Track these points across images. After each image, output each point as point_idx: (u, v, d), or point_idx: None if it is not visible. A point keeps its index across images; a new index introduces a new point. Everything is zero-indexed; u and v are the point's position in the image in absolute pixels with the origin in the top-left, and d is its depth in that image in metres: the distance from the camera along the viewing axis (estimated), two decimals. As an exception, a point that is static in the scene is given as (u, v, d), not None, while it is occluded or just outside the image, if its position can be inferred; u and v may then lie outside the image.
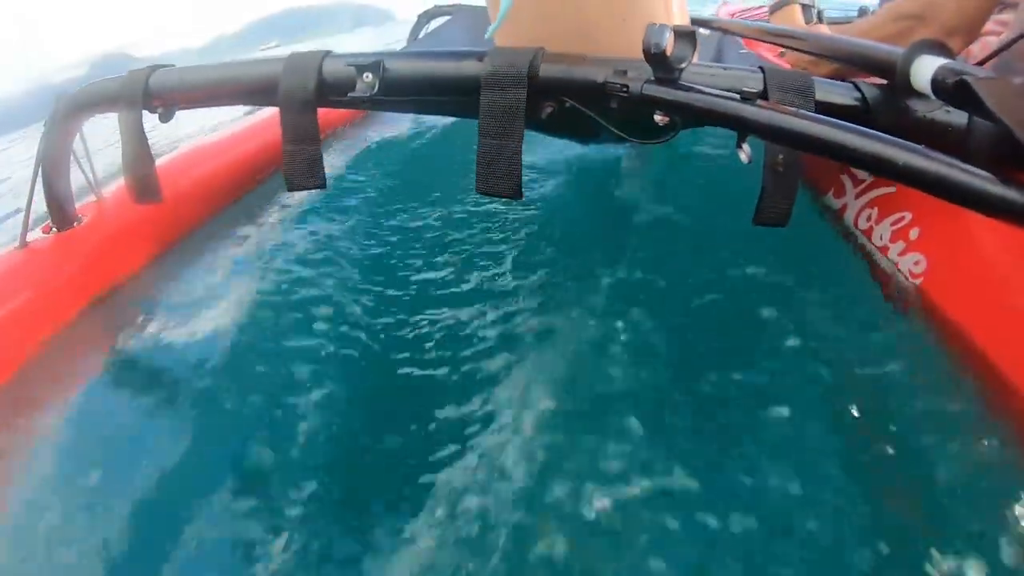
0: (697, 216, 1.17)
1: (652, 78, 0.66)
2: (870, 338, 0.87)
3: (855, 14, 2.27)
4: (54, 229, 1.01)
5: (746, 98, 0.60)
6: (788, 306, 0.94)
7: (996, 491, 0.64)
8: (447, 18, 2.40)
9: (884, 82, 0.71)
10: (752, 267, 1.03)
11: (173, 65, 0.90)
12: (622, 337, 0.88)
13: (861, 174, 1.02)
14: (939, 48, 0.64)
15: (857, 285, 0.95)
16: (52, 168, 0.97)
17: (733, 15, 2.85)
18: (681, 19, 1.07)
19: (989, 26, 1.18)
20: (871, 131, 0.55)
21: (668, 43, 0.60)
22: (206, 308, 1.00)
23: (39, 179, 0.97)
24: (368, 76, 0.76)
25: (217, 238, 1.22)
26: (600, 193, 1.42)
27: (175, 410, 0.85)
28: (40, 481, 0.74)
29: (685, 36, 0.63)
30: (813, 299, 0.95)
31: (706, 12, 2.38)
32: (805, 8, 1.96)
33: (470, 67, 0.74)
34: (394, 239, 1.25)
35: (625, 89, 0.67)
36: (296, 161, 0.80)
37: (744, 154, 0.64)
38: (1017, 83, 0.53)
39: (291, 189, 0.83)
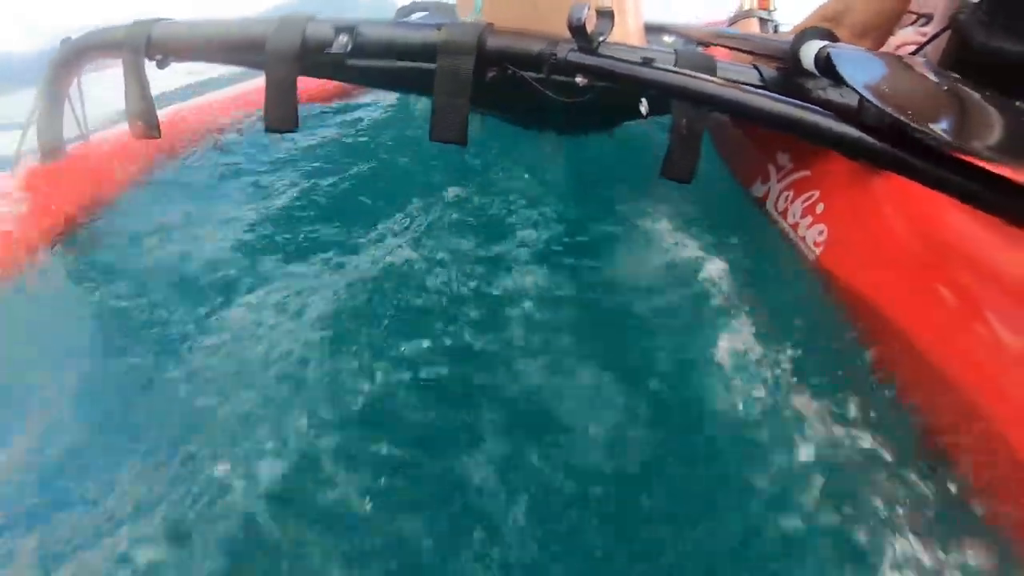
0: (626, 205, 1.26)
1: (584, 43, 0.78)
2: (779, 299, 0.99)
3: None
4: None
5: (646, 63, 0.73)
6: (711, 278, 1.05)
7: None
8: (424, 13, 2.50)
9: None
10: (684, 250, 1.13)
11: (183, 22, 0.99)
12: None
13: (783, 162, 1.15)
14: (826, 34, 0.77)
15: (773, 258, 1.08)
16: (48, 105, 1.05)
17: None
18: (635, 15, 1.20)
19: (912, 37, 1.30)
20: (735, 86, 0.68)
21: (589, 18, 0.74)
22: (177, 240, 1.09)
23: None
24: (344, 37, 0.87)
25: (194, 173, 1.29)
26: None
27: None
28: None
29: (605, 14, 0.77)
30: (736, 274, 1.06)
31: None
32: (763, 22, 2.11)
33: (429, 35, 0.86)
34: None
35: (554, 56, 0.80)
36: (274, 104, 0.90)
37: (643, 107, 0.78)
38: (872, 52, 0.66)
39: (268, 130, 0.93)
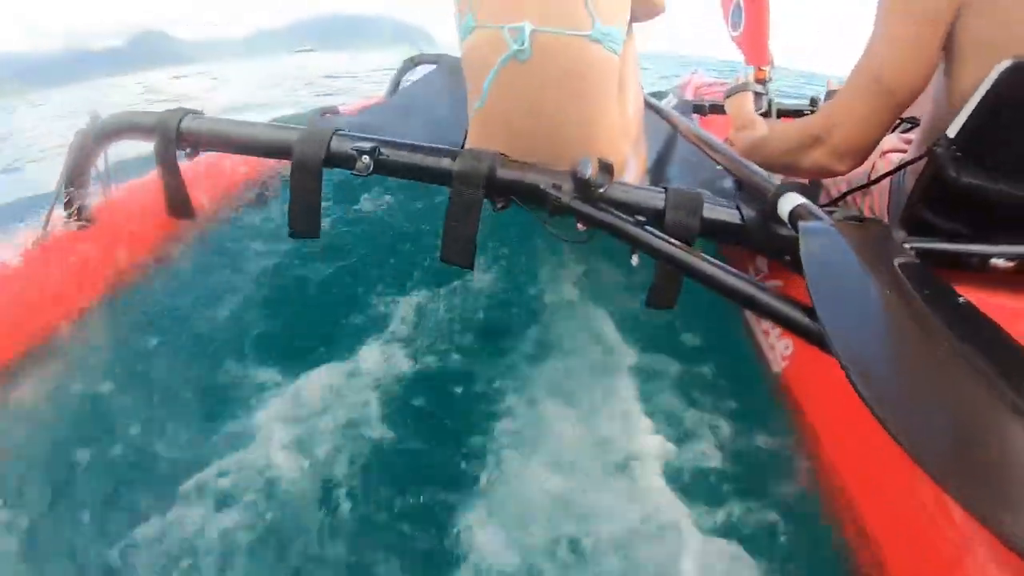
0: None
1: (582, 188, 0.86)
2: (741, 407, 1.06)
3: (807, 102, 2.46)
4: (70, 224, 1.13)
5: (639, 223, 0.80)
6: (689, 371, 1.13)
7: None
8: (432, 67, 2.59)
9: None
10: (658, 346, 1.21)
11: (202, 112, 1.07)
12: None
13: (761, 266, 1.22)
14: (804, 189, 0.83)
15: (743, 366, 1.14)
16: (76, 175, 1.11)
17: (699, 87, 3.07)
18: (636, 115, 1.27)
19: (895, 143, 1.35)
20: (710, 260, 0.78)
21: (591, 172, 0.83)
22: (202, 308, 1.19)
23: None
24: (366, 159, 0.95)
25: (212, 245, 1.36)
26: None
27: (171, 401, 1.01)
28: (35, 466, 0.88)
29: (605, 168, 0.84)
30: (704, 379, 1.13)
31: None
32: (757, 96, 2.18)
33: (445, 163, 0.94)
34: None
35: (557, 199, 0.88)
36: (299, 213, 0.98)
37: (635, 259, 0.84)
38: (842, 231, 0.72)
39: (292, 236, 1.01)
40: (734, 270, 0.76)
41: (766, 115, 2.19)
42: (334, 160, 0.97)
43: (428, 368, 1.15)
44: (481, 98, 1.12)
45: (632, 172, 1.27)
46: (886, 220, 1.19)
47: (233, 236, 1.39)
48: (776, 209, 0.86)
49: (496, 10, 1.10)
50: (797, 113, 2.27)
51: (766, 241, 0.90)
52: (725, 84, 3.00)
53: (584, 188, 0.85)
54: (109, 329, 1.11)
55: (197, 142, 1.05)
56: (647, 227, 0.84)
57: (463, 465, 0.97)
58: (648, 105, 1.62)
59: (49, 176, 1.20)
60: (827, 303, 0.62)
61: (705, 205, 0.91)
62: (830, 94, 2.02)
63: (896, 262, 0.67)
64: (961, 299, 0.65)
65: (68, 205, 1.12)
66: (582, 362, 1.19)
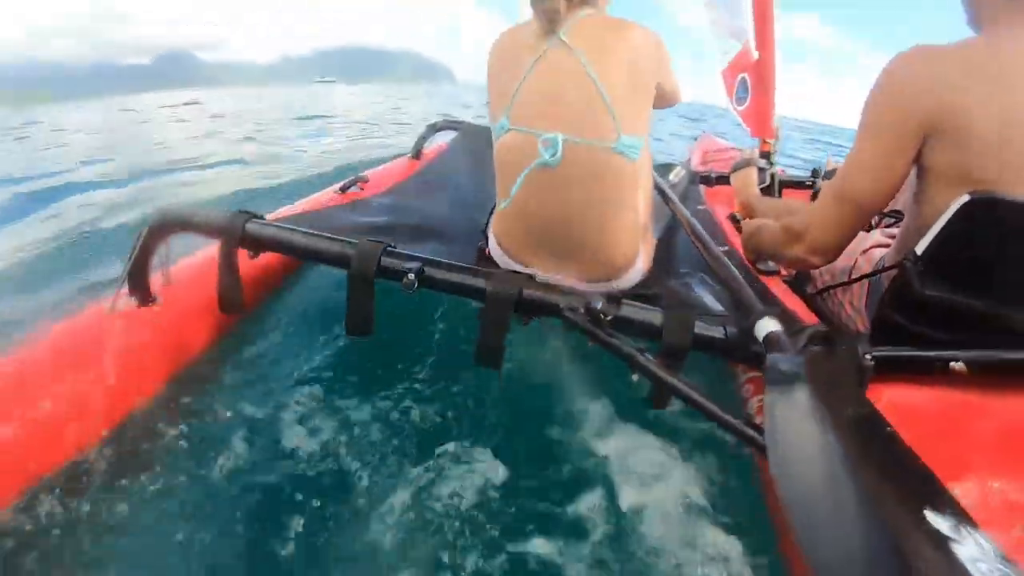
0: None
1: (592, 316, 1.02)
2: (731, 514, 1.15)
3: (809, 173, 2.57)
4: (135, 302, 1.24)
5: (639, 349, 0.96)
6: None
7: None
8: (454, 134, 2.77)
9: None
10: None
11: (263, 217, 1.20)
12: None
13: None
14: (779, 316, 0.97)
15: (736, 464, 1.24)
16: (141, 260, 1.22)
17: (707, 154, 3.20)
18: (646, 207, 1.40)
19: (878, 239, 1.46)
20: (685, 383, 0.94)
21: (601, 304, 1.00)
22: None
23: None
24: (411, 276, 1.08)
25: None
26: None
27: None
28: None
29: (613, 300, 1.02)
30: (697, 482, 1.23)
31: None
32: (761, 171, 2.31)
33: (480, 283, 1.09)
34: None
35: (573, 320, 1.03)
36: (354, 316, 1.13)
37: (635, 376, 0.98)
38: (791, 365, 0.84)
39: (349, 334, 1.14)
40: (701, 396, 0.92)
41: (769, 188, 2.33)
42: (385, 274, 1.11)
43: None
44: (510, 197, 1.25)
45: (641, 260, 1.39)
46: (864, 313, 1.32)
47: (273, 322, 1.51)
48: (754, 330, 0.98)
49: (531, 117, 1.22)
50: (799, 184, 2.39)
51: (745, 356, 1.02)
52: (732, 150, 3.15)
53: (594, 315, 1.00)
54: (174, 409, 1.21)
55: (260, 245, 1.18)
56: (643, 351, 0.98)
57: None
58: (657, 189, 1.75)
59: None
60: (774, 427, 0.72)
61: (697, 323, 1.04)
62: (829, 173, 2.14)
63: (848, 409, 0.76)
64: (893, 435, 0.72)
65: (132, 287, 1.23)
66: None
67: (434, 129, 2.72)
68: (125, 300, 1.23)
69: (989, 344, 0.96)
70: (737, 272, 1.22)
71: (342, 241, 1.14)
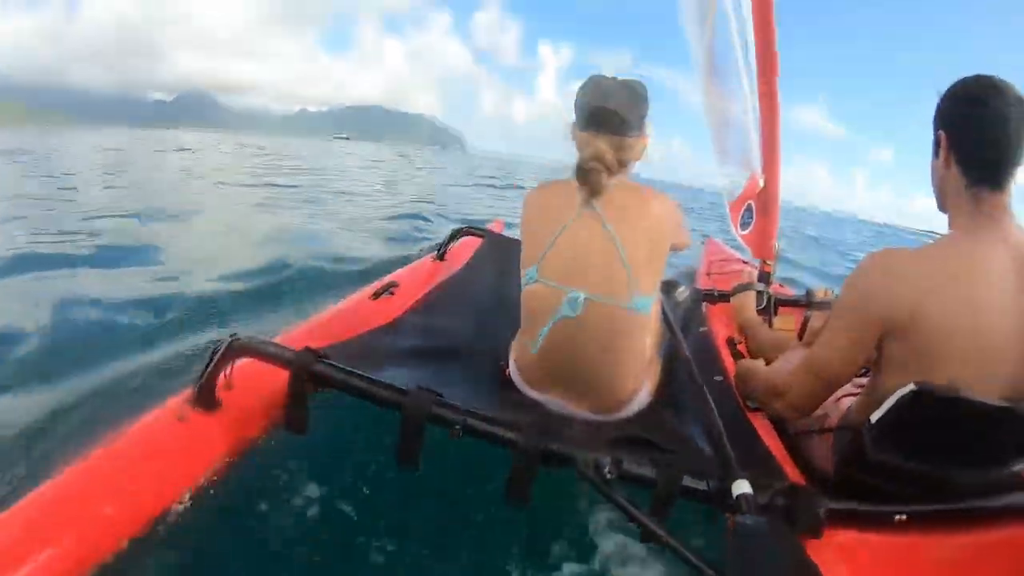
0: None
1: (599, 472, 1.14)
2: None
3: (803, 292, 2.67)
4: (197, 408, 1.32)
5: (632, 504, 1.11)
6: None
7: None
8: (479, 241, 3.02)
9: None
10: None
11: (327, 356, 1.32)
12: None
13: None
14: (759, 463, 1.08)
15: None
16: (212, 375, 1.31)
17: (711, 264, 3.33)
18: (653, 346, 1.50)
19: (848, 388, 1.49)
20: (666, 532, 1.06)
21: (608, 467, 1.13)
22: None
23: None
24: (457, 427, 1.22)
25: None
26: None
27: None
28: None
29: (616, 461, 1.15)
30: None
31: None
32: (759, 294, 2.43)
33: (512, 436, 1.21)
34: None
35: (584, 474, 1.15)
36: (406, 452, 1.25)
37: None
38: (756, 526, 0.93)
39: (400, 467, 1.25)
40: (678, 542, 1.05)
41: (766, 309, 2.44)
42: (434, 421, 1.23)
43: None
44: (536, 344, 1.42)
45: (645, 391, 1.51)
46: (832, 457, 1.40)
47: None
48: (730, 488, 1.11)
49: (558, 273, 1.38)
50: (794, 304, 2.51)
51: (723, 506, 1.14)
52: (735, 261, 3.27)
53: (599, 474, 1.14)
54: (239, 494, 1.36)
55: (324, 383, 1.31)
56: (634, 505, 1.11)
57: None
58: (664, 318, 1.85)
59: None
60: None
61: (684, 477, 1.17)
62: (821, 304, 2.23)
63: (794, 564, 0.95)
64: None
65: (199, 397, 1.32)
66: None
67: (459, 234, 2.92)
68: (190, 406, 1.32)
69: (932, 499, 1.11)
70: (720, 423, 1.35)
71: (397, 390, 1.28)
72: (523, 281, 1.45)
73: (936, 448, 1.10)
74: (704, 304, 2.52)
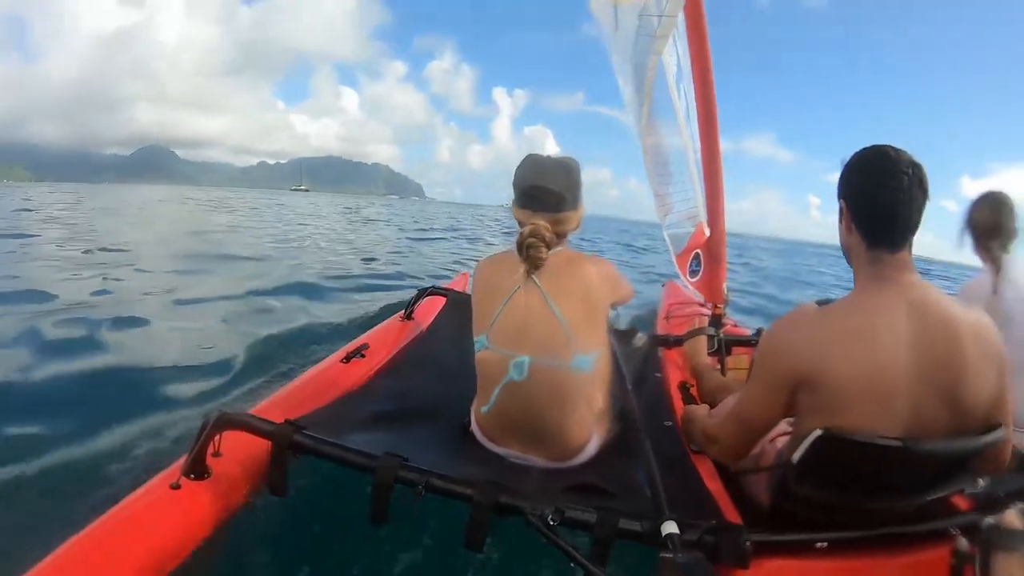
0: None
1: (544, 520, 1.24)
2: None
3: (755, 332, 2.77)
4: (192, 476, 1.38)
5: (574, 548, 1.19)
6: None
7: None
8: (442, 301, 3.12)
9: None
10: None
11: (306, 428, 1.42)
12: None
13: None
14: (689, 513, 1.24)
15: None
16: (201, 448, 1.38)
17: (671, 307, 3.43)
18: (604, 396, 1.59)
19: (782, 427, 1.53)
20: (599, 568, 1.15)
21: (551, 515, 1.21)
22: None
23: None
24: (420, 487, 1.30)
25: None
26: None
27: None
28: None
29: (559, 511, 1.23)
30: None
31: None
32: (711, 338, 2.55)
33: (470, 492, 1.30)
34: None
35: (533, 523, 1.23)
36: (377, 509, 1.34)
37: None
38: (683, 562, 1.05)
39: (372, 522, 1.34)
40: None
41: (718, 352, 2.54)
42: (401, 482, 1.33)
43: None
44: (489, 403, 1.55)
45: (594, 441, 1.65)
46: (768, 493, 1.51)
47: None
48: (660, 529, 1.21)
49: (505, 340, 1.52)
50: (746, 343, 2.63)
51: (656, 545, 1.21)
52: (693, 304, 3.37)
53: (544, 521, 1.22)
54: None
55: (303, 451, 1.41)
56: (576, 550, 1.19)
57: None
58: (616, 367, 1.94)
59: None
60: None
61: (621, 520, 1.26)
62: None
63: None
64: None
65: (191, 468, 1.38)
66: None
67: (425, 293, 3.01)
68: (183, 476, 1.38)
69: (851, 526, 1.23)
70: (656, 468, 1.46)
71: (367, 455, 1.38)
72: (475, 348, 1.58)
73: (850, 481, 1.22)
74: (660, 349, 2.62)
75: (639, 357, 2.55)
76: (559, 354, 1.48)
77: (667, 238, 2.70)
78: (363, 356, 2.31)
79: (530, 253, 1.47)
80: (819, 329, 1.20)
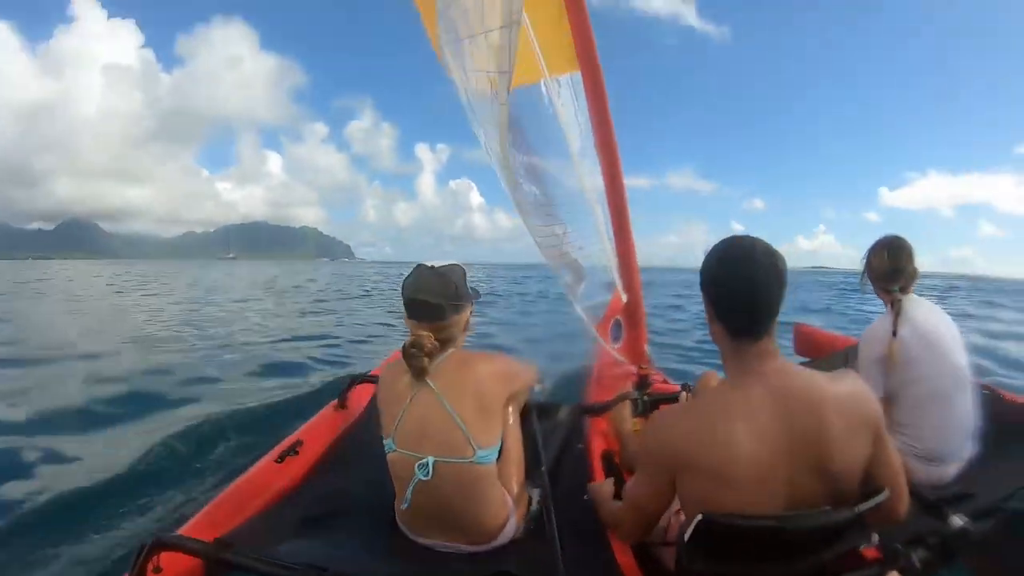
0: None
1: None
2: None
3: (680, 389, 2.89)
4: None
5: None
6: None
7: None
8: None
9: None
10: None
11: (235, 545, 1.49)
12: None
13: None
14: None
15: None
16: (141, 565, 1.43)
17: (601, 369, 3.48)
18: (519, 479, 1.72)
19: (676, 506, 1.51)
20: None
21: None
22: None
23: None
24: None
25: None
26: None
27: None
28: None
29: None
30: None
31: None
32: (634, 402, 2.65)
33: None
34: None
35: None
36: None
37: None
38: None
39: None
40: None
41: (644, 414, 2.65)
42: None
43: None
44: (406, 501, 1.63)
45: (512, 523, 1.73)
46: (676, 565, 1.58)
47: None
48: None
49: (409, 442, 1.62)
50: (672, 399, 2.71)
51: None
52: (624, 364, 3.47)
53: None
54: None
55: (232, 568, 1.47)
56: None
57: None
58: (533, 446, 2.05)
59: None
60: None
61: None
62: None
63: None
64: None
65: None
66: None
67: (355, 381, 3.00)
68: None
69: None
70: (559, 545, 1.53)
71: (290, 568, 1.41)
72: (386, 448, 1.68)
73: (741, 556, 1.29)
74: (586, 418, 2.69)
75: (564, 430, 2.61)
76: (460, 451, 1.58)
77: (582, 312, 2.76)
78: (297, 453, 2.31)
79: (412, 363, 1.61)
80: (690, 421, 1.27)
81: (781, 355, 1.28)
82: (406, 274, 1.74)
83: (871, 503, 1.22)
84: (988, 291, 33.70)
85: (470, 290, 1.78)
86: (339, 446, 2.54)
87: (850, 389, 1.26)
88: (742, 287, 1.23)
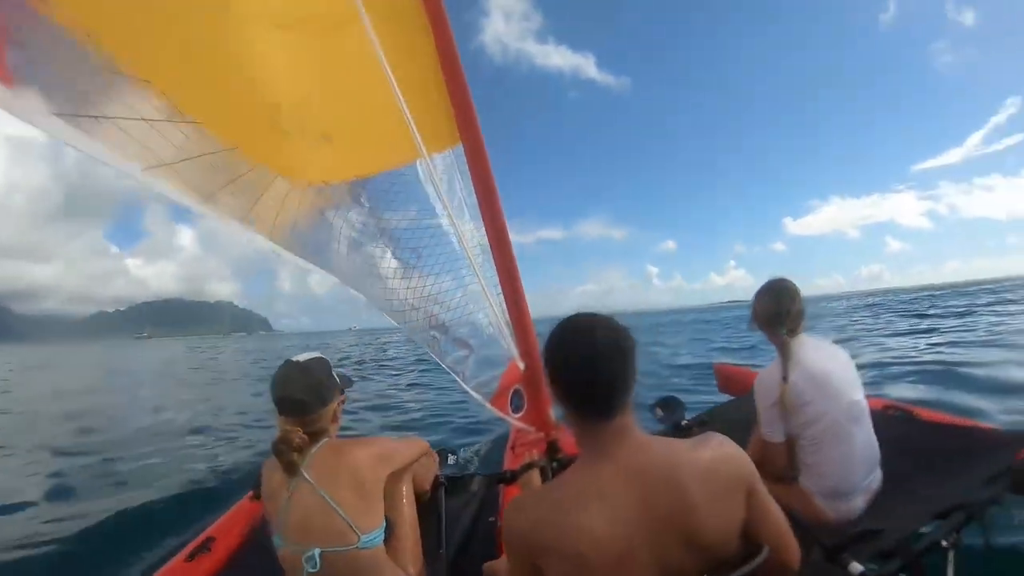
0: None
1: None
2: None
3: None
4: None
5: None
6: None
7: None
8: None
9: None
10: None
11: None
12: None
13: None
14: None
15: None
16: None
17: (517, 436, 3.40)
18: (414, 545, 1.81)
19: None
20: None
21: None
22: None
23: None
24: None
25: None
26: None
27: None
28: None
29: None
30: None
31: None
32: (542, 470, 2.60)
33: None
34: None
35: None
36: None
37: None
38: None
39: None
40: None
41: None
42: None
43: None
44: None
45: None
46: None
47: None
48: None
49: (295, 536, 1.60)
50: (583, 461, 2.69)
51: None
52: (535, 435, 3.40)
53: None
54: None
55: None
56: None
57: None
58: (436, 524, 1.97)
59: None
60: None
61: None
62: None
63: None
64: None
65: None
66: None
67: (256, 484, 2.82)
68: None
69: None
70: None
71: None
72: (275, 544, 1.65)
73: None
74: (501, 487, 2.59)
75: (477, 501, 2.54)
76: (344, 539, 1.58)
77: (472, 393, 2.68)
78: (209, 551, 2.16)
79: (281, 459, 1.63)
80: (541, 509, 1.20)
81: (640, 431, 1.24)
82: (319, 346, 1.78)
83: (749, 567, 1.17)
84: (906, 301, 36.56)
85: (338, 379, 1.82)
86: (255, 539, 2.34)
87: (712, 455, 1.23)
88: (582, 368, 1.18)
